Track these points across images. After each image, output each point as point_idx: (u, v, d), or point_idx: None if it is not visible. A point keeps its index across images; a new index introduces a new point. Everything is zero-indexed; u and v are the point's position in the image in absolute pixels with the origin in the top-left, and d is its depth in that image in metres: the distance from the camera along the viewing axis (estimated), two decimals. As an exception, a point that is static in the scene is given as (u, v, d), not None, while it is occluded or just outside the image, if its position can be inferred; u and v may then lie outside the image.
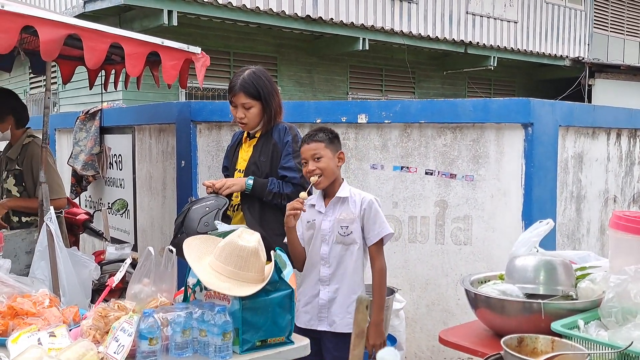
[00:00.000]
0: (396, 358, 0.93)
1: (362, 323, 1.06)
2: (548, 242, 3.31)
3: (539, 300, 1.98)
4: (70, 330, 1.94)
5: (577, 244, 3.77)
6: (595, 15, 15.93)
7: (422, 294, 3.56)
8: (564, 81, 13.22)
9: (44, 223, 2.53)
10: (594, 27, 15.97)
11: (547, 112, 3.42)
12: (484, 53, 12.18)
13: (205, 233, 2.41)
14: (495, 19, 13.73)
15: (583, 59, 13.87)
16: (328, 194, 2.58)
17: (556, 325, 1.83)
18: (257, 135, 2.89)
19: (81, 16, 8.21)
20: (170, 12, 7.87)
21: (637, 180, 4.28)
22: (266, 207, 2.81)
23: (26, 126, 3.57)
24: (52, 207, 2.59)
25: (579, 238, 3.80)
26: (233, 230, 2.08)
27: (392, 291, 3.23)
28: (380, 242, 2.54)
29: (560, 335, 1.78)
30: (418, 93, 12.48)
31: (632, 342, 1.58)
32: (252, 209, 2.80)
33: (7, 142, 3.59)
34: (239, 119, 2.81)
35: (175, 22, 7.92)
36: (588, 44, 15.89)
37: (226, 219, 2.71)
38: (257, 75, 2.81)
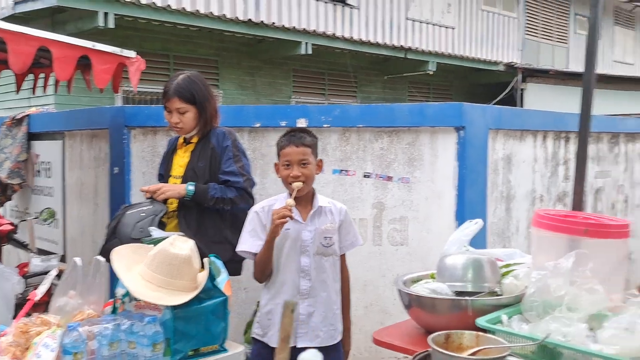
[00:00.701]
0: (317, 358, 0.93)
1: (288, 327, 1.06)
2: (479, 240, 3.42)
3: (466, 298, 2.04)
4: (-10, 346, 1.85)
5: (507, 242, 3.91)
6: (527, 22, 16.59)
7: (361, 295, 3.60)
8: (498, 85, 13.70)
9: (-36, 234, 2.41)
10: (526, 33, 16.63)
11: (478, 116, 3.53)
12: (423, 58, 12.47)
13: (139, 239, 2.35)
14: (433, 25, 14.09)
15: (516, 64, 14.41)
16: (300, 200, 2.41)
17: (480, 321, 1.89)
18: (194, 140, 2.84)
19: (11, 18, 7.88)
20: (106, 14, 7.66)
21: (562, 179, 4.48)
22: (204, 214, 2.75)
23: None
24: (-28, 218, 2.47)
25: (509, 236, 3.94)
26: (166, 238, 2.04)
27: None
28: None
29: (485, 331, 1.84)
30: (360, 97, 12.64)
31: (549, 334, 1.65)
32: (189, 216, 2.75)
33: None
34: (174, 124, 2.77)
35: (111, 25, 7.72)
36: (520, 50, 16.54)
37: (160, 226, 2.65)
38: (191, 79, 2.78)
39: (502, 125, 3.75)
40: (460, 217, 3.41)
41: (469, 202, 3.48)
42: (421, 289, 2.18)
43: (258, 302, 3.29)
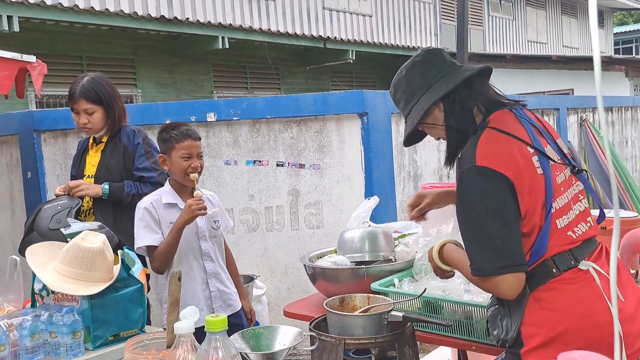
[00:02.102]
0: (195, 315, 1.11)
1: (175, 293, 1.23)
2: (391, 217, 3.71)
3: (363, 266, 2.27)
4: None
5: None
6: (442, 7, 17.23)
7: (283, 278, 3.80)
8: (418, 70, 14.17)
9: None
10: (442, 18, 17.29)
11: (380, 102, 3.79)
12: (343, 47, 12.74)
13: (57, 230, 2.45)
14: (351, 13, 14.41)
15: (433, 48, 14.95)
16: (183, 191, 2.57)
17: (374, 285, 2.13)
18: (104, 140, 2.93)
19: None
20: (10, 17, 7.41)
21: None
22: (119, 210, 2.87)
23: None
24: None
25: (419, 212, 4.24)
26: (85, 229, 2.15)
27: (251, 278, 3.44)
28: None
29: (377, 294, 2.08)
30: (284, 89, 12.79)
31: (425, 289, 1.91)
32: (105, 213, 2.85)
33: None
34: (83, 125, 2.85)
35: (16, 28, 7.48)
36: (437, 35, 17.18)
37: None
38: (96, 80, 2.87)
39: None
40: (369, 197, 3.66)
41: (377, 182, 3.74)
42: (324, 262, 2.40)
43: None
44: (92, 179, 2.89)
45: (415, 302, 2.01)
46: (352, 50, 12.86)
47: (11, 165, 3.78)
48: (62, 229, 2.38)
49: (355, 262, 2.38)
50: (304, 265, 2.43)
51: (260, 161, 3.75)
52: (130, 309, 2.11)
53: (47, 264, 2.08)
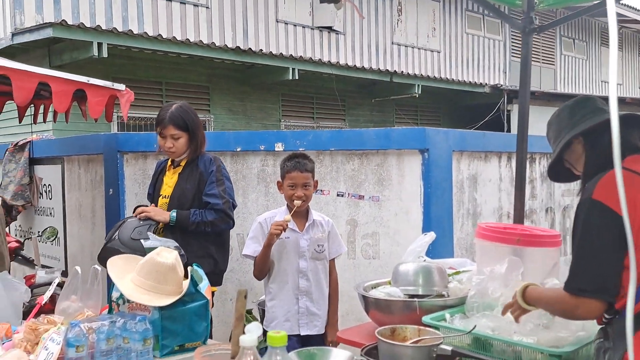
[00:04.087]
0: (259, 330, 1.24)
1: (241, 309, 1.37)
2: (447, 254, 3.75)
3: (416, 299, 2.35)
4: (2, 344, 2.14)
5: (475, 256, 4.22)
6: (512, 45, 17.11)
7: (339, 304, 3.89)
8: (485, 107, 14.05)
9: (-24, 250, 2.70)
10: (512, 55, 17.15)
11: (441, 139, 3.88)
12: (409, 81, 12.86)
13: (138, 240, 2.68)
14: (419, 48, 14.57)
15: (502, 85, 14.80)
16: (297, 214, 2.90)
17: (426, 319, 2.20)
18: (182, 163, 3.15)
19: (9, 48, 8.22)
20: (100, 45, 7.98)
21: (529, 198, 4.80)
22: (187, 232, 3.05)
23: None
24: (-17, 235, 2.77)
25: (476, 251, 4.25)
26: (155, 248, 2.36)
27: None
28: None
29: (428, 327, 2.15)
30: (349, 120, 13.02)
31: (474, 326, 1.97)
32: (175, 234, 3.03)
33: None
34: (168, 149, 3.07)
35: (105, 54, 8.05)
36: (506, 72, 17.04)
37: None
38: (184, 109, 3.11)
39: (466, 147, 4.09)
40: (427, 232, 3.72)
41: (435, 217, 3.80)
42: (378, 293, 2.50)
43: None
44: (167, 199, 3.11)
45: (465, 338, 2.07)
46: (418, 85, 12.95)
47: (95, 182, 4.10)
48: (142, 240, 2.61)
49: (409, 294, 2.46)
50: (358, 294, 2.53)
51: (322, 190, 3.90)
52: (196, 322, 2.28)
53: (125, 275, 2.28)
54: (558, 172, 2.05)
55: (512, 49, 17.08)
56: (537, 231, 2.61)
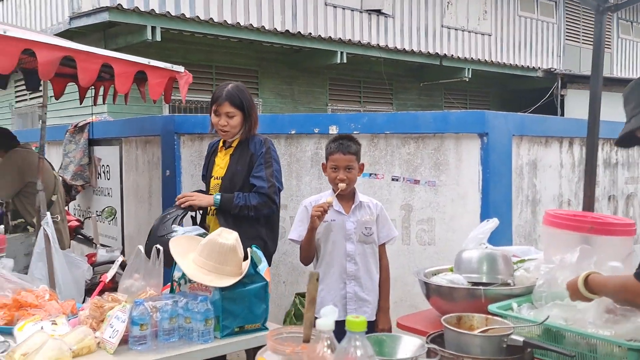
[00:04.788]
0: (334, 313, 1.20)
1: (312, 292, 1.33)
2: (505, 241, 3.64)
3: (481, 287, 2.28)
4: (69, 320, 2.19)
5: (534, 244, 4.07)
6: (567, 28, 16.49)
7: (391, 291, 3.83)
8: (538, 92, 13.64)
9: (41, 227, 2.77)
10: (566, 39, 16.53)
11: (501, 123, 3.74)
12: (459, 65, 12.59)
13: (164, 236, 2.68)
14: (469, 31, 14.20)
15: (555, 70, 14.32)
16: (342, 197, 2.84)
17: (492, 307, 2.12)
18: (233, 144, 3.12)
19: (67, 32, 8.43)
20: (153, 28, 8.10)
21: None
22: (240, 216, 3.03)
23: (15, 146, 3.78)
24: (48, 213, 2.84)
25: (535, 239, 4.11)
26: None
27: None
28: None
29: (495, 316, 2.07)
30: (396, 104, 12.85)
31: (547, 317, 1.88)
32: (226, 215, 3.02)
33: None
34: (222, 127, 3.02)
35: (158, 38, 8.16)
36: (560, 56, 16.45)
37: (202, 225, 3.01)
38: (239, 88, 3.08)
39: (526, 131, 3.94)
40: (485, 218, 3.60)
41: (493, 204, 3.69)
42: (440, 280, 2.43)
43: (296, 293, 3.60)
44: (219, 181, 3.09)
45: (535, 329, 1.98)
46: (468, 69, 12.67)
47: (152, 163, 4.16)
48: (167, 235, 2.60)
49: (472, 282, 2.38)
50: (419, 280, 2.46)
51: (376, 174, 3.83)
52: (255, 304, 2.28)
53: (186, 254, 2.29)
54: (630, 139, 1.89)
55: (567, 32, 16.46)
56: (610, 219, 2.48)
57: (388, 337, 1.65)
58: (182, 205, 2.97)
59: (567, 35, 16.51)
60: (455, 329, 1.90)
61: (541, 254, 2.63)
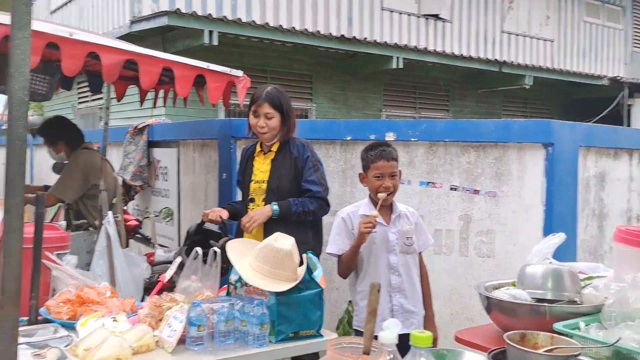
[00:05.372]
0: (397, 326, 1.16)
1: (374, 303, 1.29)
2: (569, 257, 3.49)
3: (545, 304, 2.17)
4: (129, 317, 2.22)
5: (600, 260, 3.89)
6: (634, 34, 15.84)
7: (446, 303, 3.75)
8: (602, 101, 13.13)
9: (103, 226, 2.84)
10: (634, 46, 15.87)
11: (568, 133, 3.59)
12: (519, 72, 12.25)
13: None
14: (531, 37, 13.83)
15: (622, 78, 13.75)
16: (382, 206, 2.68)
17: (558, 325, 2.02)
18: (273, 149, 3.09)
19: (128, 36, 8.70)
20: (210, 32, 8.26)
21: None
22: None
23: (82, 145, 3.89)
24: (110, 212, 2.91)
25: (602, 254, 3.93)
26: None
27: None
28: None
29: (560, 335, 1.97)
30: (452, 111, 12.63)
31: (619, 339, 1.77)
32: (278, 222, 2.94)
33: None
34: (260, 128, 3.00)
35: (215, 42, 8.31)
36: (626, 63, 15.79)
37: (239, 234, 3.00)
38: (279, 90, 3.08)
39: (594, 142, 3.77)
40: (548, 232, 3.46)
41: (558, 217, 3.54)
42: (502, 294, 2.34)
43: (349, 301, 3.56)
44: (262, 184, 3.05)
45: (604, 351, 1.87)
46: (528, 76, 12.32)
47: (209, 166, 4.21)
48: None
49: (536, 298, 2.28)
50: (480, 294, 2.38)
51: (433, 183, 3.75)
52: (310, 310, 2.25)
53: (242, 258, 2.29)
54: None
55: (635, 39, 15.80)
56: (688, 237, 2.32)
57: (450, 352, 1.59)
58: (251, 229, 2.87)
59: (635, 43, 15.86)
60: (519, 346, 1.82)
61: (611, 271, 2.50)
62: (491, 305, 2.33)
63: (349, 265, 2.72)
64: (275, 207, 2.91)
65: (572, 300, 2.26)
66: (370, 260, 2.73)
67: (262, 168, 3.09)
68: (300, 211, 2.92)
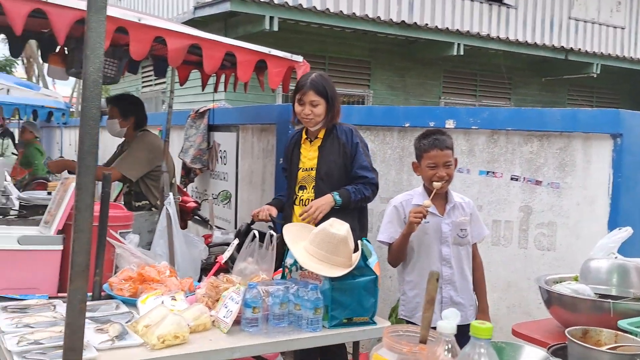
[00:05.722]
0: (457, 316, 1.14)
1: (432, 292, 1.28)
2: (636, 252, 3.34)
3: (610, 300, 2.09)
4: (186, 297, 2.29)
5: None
6: None
7: (503, 295, 3.67)
8: (677, 91, 12.45)
9: (164, 207, 2.93)
10: None
11: (638, 124, 3.42)
12: (586, 60, 11.75)
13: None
14: (600, 24, 13.22)
15: (697, 67, 12.97)
16: (436, 196, 2.63)
17: (622, 323, 1.94)
18: (320, 135, 3.09)
19: (191, 21, 8.88)
20: (271, 18, 8.31)
21: None
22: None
23: (144, 127, 4.00)
24: (171, 193, 2.99)
25: (671, 251, 3.74)
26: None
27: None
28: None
29: (625, 332, 1.89)
30: (514, 99, 12.26)
31: (692, 340, 1.68)
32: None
33: (123, 139, 4.06)
34: (305, 115, 3.00)
35: (276, 28, 8.36)
36: (703, 51, 14.86)
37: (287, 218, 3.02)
38: (323, 77, 3.07)
39: (667, 133, 3.58)
40: (613, 225, 3.32)
41: (625, 210, 3.39)
42: (563, 289, 2.26)
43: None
44: (310, 172, 3.06)
45: (673, 352, 1.78)
46: (596, 64, 11.79)
47: (267, 150, 4.26)
48: None
49: (599, 294, 2.20)
50: (540, 288, 2.31)
51: (494, 172, 3.66)
52: (364, 297, 2.25)
53: (298, 242, 2.31)
54: None
55: None
56: None
57: (508, 345, 1.56)
58: (319, 218, 2.84)
59: None
60: (582, 343, 1.76)
61: (681, 269, 2.38)
62: (552, 300, 2.26)
63: (398, 254, 2.69)
64: (338, 197, 2.92)
65: (638, 297, 2.16)
66: (421, 251, 2.69)
67: (309, 155, 3.09)
68: (359, 198, 2.95)
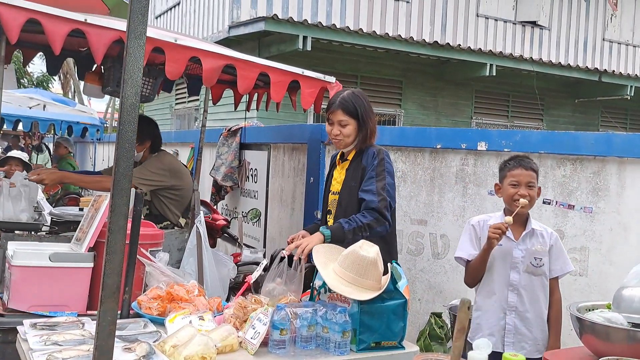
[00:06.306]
0: (489, 347, 1.13)
1: (463, 320, 1.27)
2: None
3: (644, 331, 2.03)
4: (215, 317, 2.30)
5: None
6: None
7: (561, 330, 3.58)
8: None
9: (195, 225, 2.97)
10: None
11: (675, 148, 3.34)
12: (620, 82, 11.56)
13: None
14: (634, 46, 13.01)
15: None
16: (514, 221, 2.55)
17: (659, 356, 1.89)
18: (349, 157, 2.92)
19: (226, 40, 9.05)
20: (305, 38, 8.40)
21: None
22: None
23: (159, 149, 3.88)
24: (202, 212, 3.03)
25: None
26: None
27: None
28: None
29: (661, 366, 1.84)
30: (546, 121, 12.10)
31: None
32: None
33: (135, 162, 3.95)
34: (334, 136, 2.86)
35: (309, 47, 8.45)
36: None
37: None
38: (355, 95, 2.88)
39: None
40: (650, 253, 3.26)
41: (660, 238, 3.31)
42: (596, 317, 2.21)
43: (432, 313, 3.50)
44: (337, 196, 2.91)
45: None
46: (630, 86, 11.59)
47: (297, 169, 4.29)
48: None
49: (633, 323, 2.14)
50: (571, 315, 2.26)
51: (533, 197, 3.61)
52: (393, 321, 2.24)
53: (328, 264, 2.31)
54: None
55: None
56: None
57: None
58: (303, 256, 2.52)
59: None
60: (615, 375, 1.72)
61: None
62: (584, 328, 2.21)
63: (477, 271, 2.64)
64: (327, 231, 2.65)
65: (675, 330, 2.10)
66: (489, 274, 2.64)
67: (338, 178, 2.94)
68: (355, 227, 2.66)
